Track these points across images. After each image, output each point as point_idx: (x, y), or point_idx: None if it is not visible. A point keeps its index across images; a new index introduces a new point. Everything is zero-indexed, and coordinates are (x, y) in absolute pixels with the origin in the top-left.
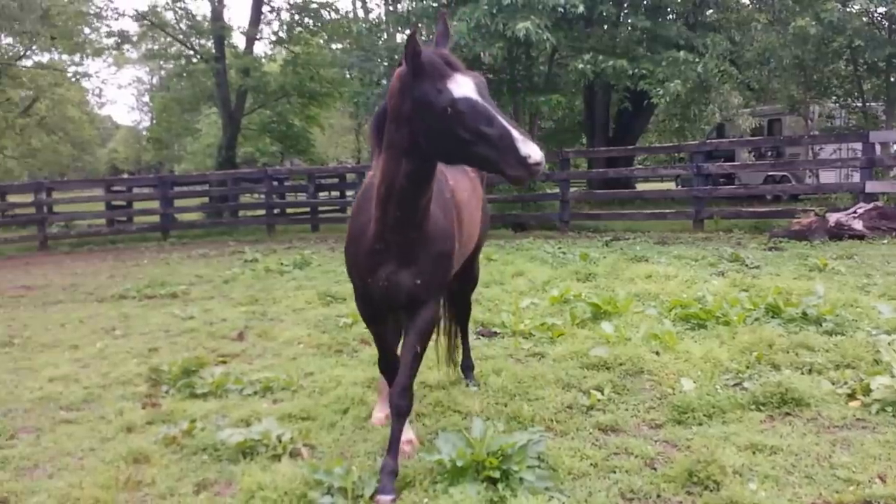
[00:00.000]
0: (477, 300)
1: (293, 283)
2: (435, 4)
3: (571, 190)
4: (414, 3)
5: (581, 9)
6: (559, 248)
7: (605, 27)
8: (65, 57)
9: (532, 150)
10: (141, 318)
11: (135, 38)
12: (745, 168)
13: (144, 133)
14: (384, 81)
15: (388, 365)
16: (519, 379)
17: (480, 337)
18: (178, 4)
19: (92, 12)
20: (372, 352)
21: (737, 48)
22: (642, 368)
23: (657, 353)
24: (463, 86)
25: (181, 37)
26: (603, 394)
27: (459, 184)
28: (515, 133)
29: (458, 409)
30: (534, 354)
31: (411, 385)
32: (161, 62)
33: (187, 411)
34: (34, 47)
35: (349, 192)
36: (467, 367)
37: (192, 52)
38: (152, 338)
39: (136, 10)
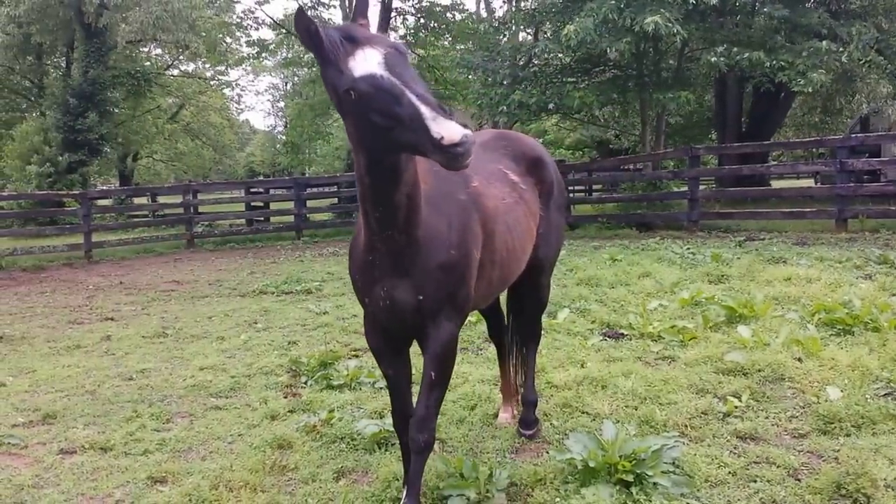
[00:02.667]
0: (602, 301)
1: None
2: (559, 1)
3: (701, 188)
4: (538, 1)
5: (714, 0)
6: (688, 248)
7: (739, 17)
8: (207, 65)
9: (445, 129)
10: (280, 313)
11: (272, 47)
12: (893, 164)
13: (279, 137)
14: (506, 82)
15: (400, 415)
16: (649, 382)
17: (606, 339)
18: (314, 13)
19: (234, 23)
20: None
21: (884, 36)
22: (783, 375)
23: (799, 360)
24: (366, 61)
25: None
26: (741, 400)
27: (491, 190)
28: (425, 110)
29: (586, 410)
30: (664, 358)
31: (430, 417)
32: (295, 69)
33: (325, 402)
34: (181, 57)
35: None
36: (528, 402)
37: None
38: (291, 331)
39: (274, 20)
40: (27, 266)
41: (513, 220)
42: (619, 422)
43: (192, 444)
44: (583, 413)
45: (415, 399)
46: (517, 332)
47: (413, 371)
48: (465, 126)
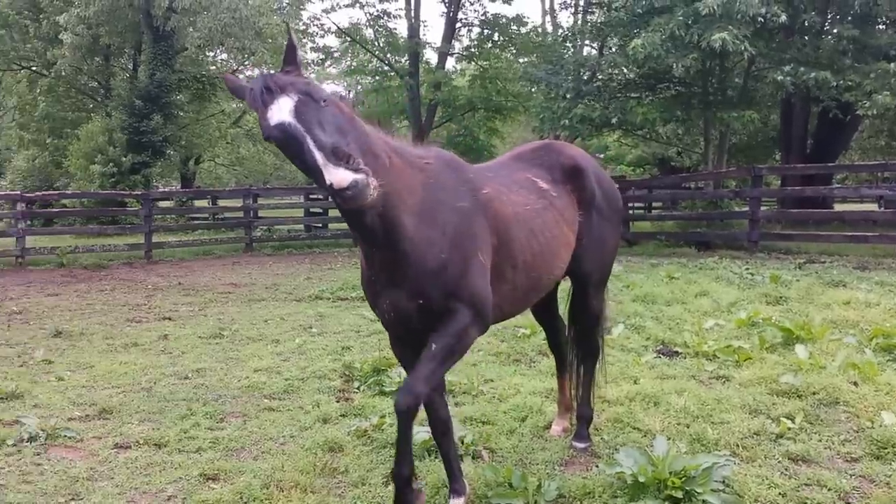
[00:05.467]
0: (657, 318)
1: None
2: (625, 16)
3: (762, 209)
4: (605, 15)
5: (783, 18)
6: (746, 268)
7: (807, 37)
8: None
9: (335, 176)
10: (334, 318)
11: (337, 55)
12: None
13: None
14: (569, 96)
15: (435, 420)
16: (702, 401)
17: (661, 356)
18: (379, 22)
19: (300, 29)
20: (549, 362)
21: None
22: (838, 399)
23: (855, 384)
24: (279, 111)
25: (379, 53)
26: (794, 422)
27: (511, 196)
28: (319, 157)
29: (637, 426)
30: (718, 377)
31: (416, 383)
32: (358, 78)
33: (377, 407)
34: (246, 62)
35: None
36: (583, 416)
37: (388, 68)
38: (344, 337)
39: (339, 27)
40: (88, 264)
41: (539, 225)
42: (670, 439)
43: (245, 444)
44: (634, 429)
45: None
46: (575, 344)
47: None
48: (356, 170)
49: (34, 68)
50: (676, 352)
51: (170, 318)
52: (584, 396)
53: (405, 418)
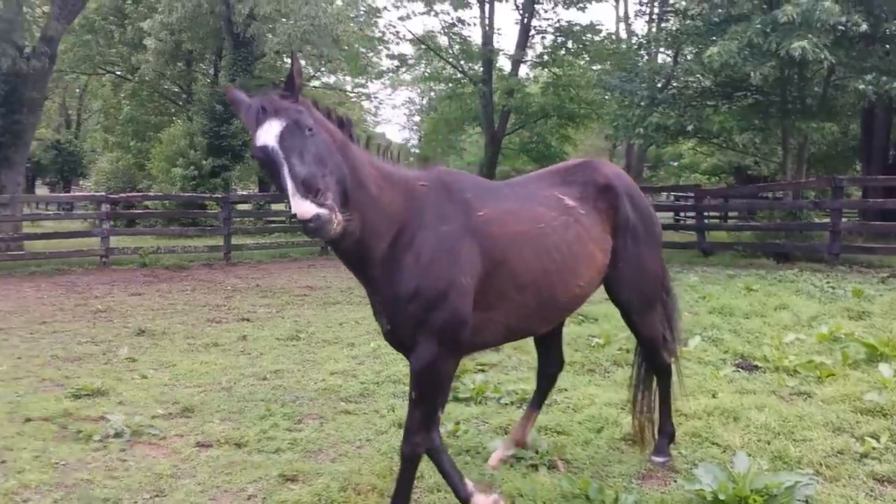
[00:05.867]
0: (735, 331)
1: None
2: (702, 24)
3: (843, 220)
4: (680, 22)
5: (864, 27)
6: (827, 282)
7: (889, 46)
8: (347, 78)
9: (300, 208)
10: None
11: (412, 62)
12: None
13: (413, 151)
14: (643, 104)
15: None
16: (783, 417)
17: (739, 370)
18: (454, 30)
19: (375, 37)
20: (624, 373)
21: None
22: None
23: None
24: (267, 133)
25: (453, 60)
26: (879, 442)
27: (522, 215)
28: (290, 186)
29: (716, 441)
30: (799, 393)
31: (412, 431)
32: (431, 84)
33: (451, 414)
34: (322, 69)
35: None
36: (664, 432)
37: (461, 75)
38: None
39: (414, 35)
40: (169, 264)
41: (553, 244)
42: (750, 455)
43: (323, 446)
44: (713, 444)
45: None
46: (643, 363)
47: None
48: (321, 205)
49: (118, 73)
50: (756, 366)
51: (248, 320)
52: (665, 411)
53: (408, 465)
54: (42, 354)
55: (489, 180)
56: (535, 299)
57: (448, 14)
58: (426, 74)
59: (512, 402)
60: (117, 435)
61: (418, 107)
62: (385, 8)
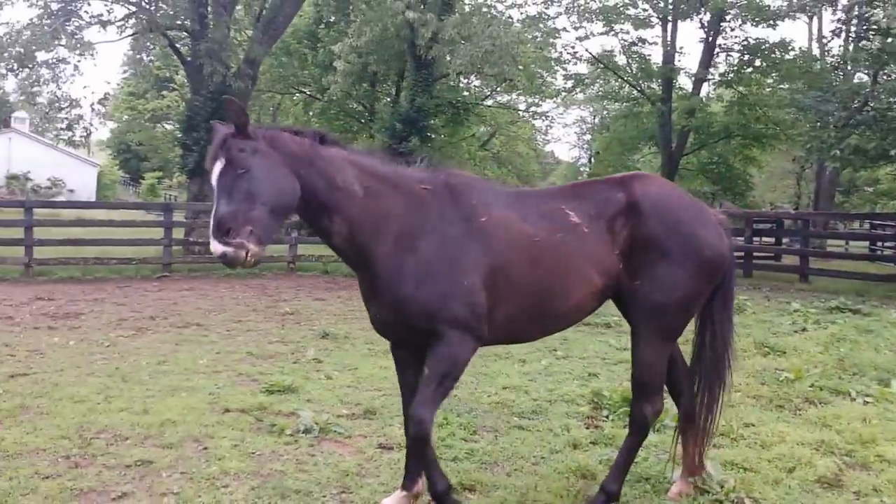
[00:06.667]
0: None
1: None
2: None
3: None
4: (881, 41)
5: None
6: None
7: None
8: (521, 97)
9: (212, 246)
10: (578, 343)
11: (588, 81)
12: None
13: (583, 169)
14: (839, 125)
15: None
16: None
17: None
18: (633, 49)
19: (553, 57)
20: (818, 411)
21: None
22: None
23: None
24: (213, 173)
25: (630, 79)
26: None
27: (519, 226)
28: (211, 225)
29: None
30: None
31: (423, 406)
32: (605, 103)
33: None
34: (498, 88)
35: (785, 240)
36: (603, 488)
37: (639, 94)
38: (590, 363)
39: (592, 55)
40: (347, 272)
41: (543, 257)
42: None
43: (498, 459)
44: None
45: None
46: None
47: None
48: (226, 244)
49: (309, 92)
50: None
51: None
52: (612, 471)
53: (420, 443)
54: (238, 351)
55: (497, 186)
56: (532, 306)
57: (628, 33)
58: (601, 93)
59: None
60: (307, 431)
61: (590, 125)
62: (564, 29)
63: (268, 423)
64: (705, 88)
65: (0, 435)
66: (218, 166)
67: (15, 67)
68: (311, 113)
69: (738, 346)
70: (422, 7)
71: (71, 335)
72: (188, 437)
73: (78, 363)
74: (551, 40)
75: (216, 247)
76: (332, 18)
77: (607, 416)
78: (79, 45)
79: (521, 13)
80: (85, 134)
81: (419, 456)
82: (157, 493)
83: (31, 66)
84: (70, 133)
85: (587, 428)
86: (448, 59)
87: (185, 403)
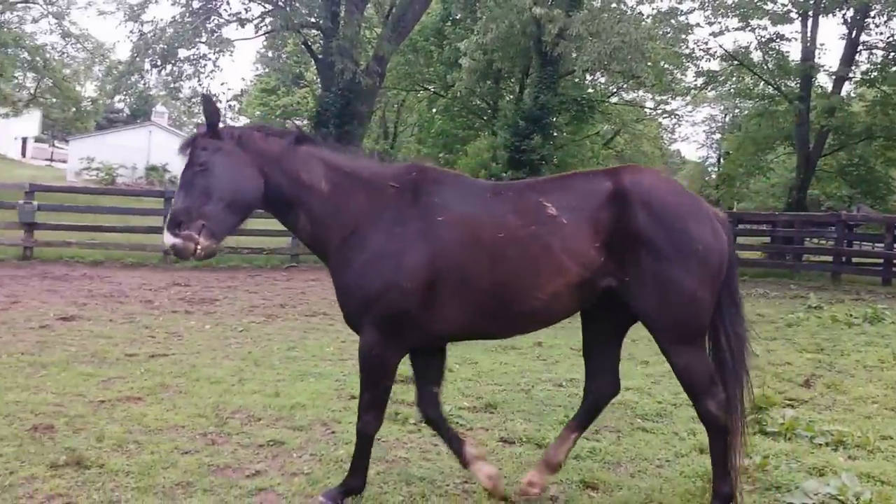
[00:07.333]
0: None
1: (863, 337)
2: None
3: None
4: None
5: None
6: None
7: None
8: (649, 95)
9: (164, 237)
10: None
11: (722, 78)
12: None
13: (710, 170)
14: None
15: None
16: None
17: None
18: (770, 45)
19: (684, 53)
20: None
21: None
22: None
23: None
24: (181, 169)
25: (766, 77)
26: None
27: (486, 221)
28: (169, 215)
29: None
30: None
31: (361, 409)
32: (737, 101)
33: (759, 446)
34: (625, 86)
35: None
36: (717, 493)
37: (775, 92)
38: None
39: (726, 51)
40: None
41: (510, 253)
42: None
43: (621, 459)
44: None
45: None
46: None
47: None
48: (176, 236)
49: (434, 89)
50: None
51: None
52: (716, 474)
53: (362, 441)
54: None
55: (476, 182)
56: (492, 304)
57: (765, 29)
58: (734, 90)
59: (827, 444)
60: None
61: (720, 124)
62: (697, 24)
63: (392, 411)
64: (846, 87)
65: (143, 411)
66: (183, 163)
67: (159, 63)
68: (434, 110)
69: (875, 358)
70: (549, 3)
71: (206, 319)
72: (317, 421)
73: (213, 346)
74: (683, 36)
75: (166, 238)
76: (459, 16)
77: None
78: (218, 43)
79: (653, 8)
80: None
81: (363, 451)
82: (288, 473)
83: (173, 62)
84: None
85: None
86: (574, 55)
87: (314, 388)
